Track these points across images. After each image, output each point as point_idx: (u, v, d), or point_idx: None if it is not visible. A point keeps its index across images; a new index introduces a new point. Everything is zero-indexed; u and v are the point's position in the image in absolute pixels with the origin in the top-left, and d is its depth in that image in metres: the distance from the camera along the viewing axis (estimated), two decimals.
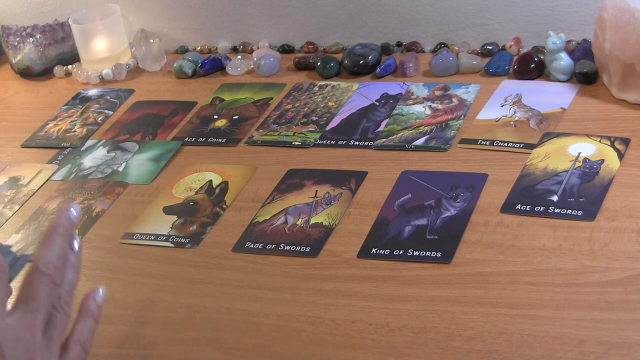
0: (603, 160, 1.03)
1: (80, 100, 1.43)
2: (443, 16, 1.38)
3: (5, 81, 1.55)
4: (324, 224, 1.02)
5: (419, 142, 1.14)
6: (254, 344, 0.87)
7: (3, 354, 0.61)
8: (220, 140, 1.24)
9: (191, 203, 1.10)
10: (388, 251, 0.95)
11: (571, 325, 0.81)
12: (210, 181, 1.14)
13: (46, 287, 0.68)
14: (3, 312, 0.65)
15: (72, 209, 0.72)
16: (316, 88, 1.33)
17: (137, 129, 1.31)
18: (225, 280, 0.96)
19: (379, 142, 1.16)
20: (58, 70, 1.52)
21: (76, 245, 0.72)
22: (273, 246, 1.00)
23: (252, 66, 1.42)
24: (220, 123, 1.28)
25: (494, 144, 1.11)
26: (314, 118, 1.25)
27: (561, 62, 1.22)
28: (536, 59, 1.25)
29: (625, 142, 1.06)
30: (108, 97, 1.42)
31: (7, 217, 1.14)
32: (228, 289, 0.95)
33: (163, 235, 1.05)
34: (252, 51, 1.48)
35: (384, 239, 0.97)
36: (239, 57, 1.44)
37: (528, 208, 0.97)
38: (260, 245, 1.00)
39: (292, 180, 1.11)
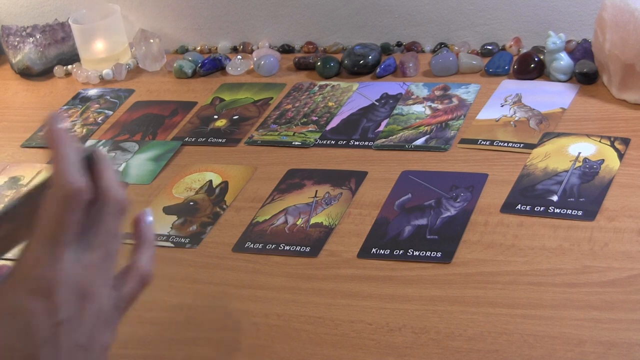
0: (603, 160, 1.03)
1: (80, 100, 1.43)
2: (443, 16, 1.38)
3: (5, 81, 1.55)
4: (324, 224, 1.02)
5: (419, 142, 1.14)
6: (254, 344, 0.87)
7: (55, 299, 0.57)
8: (220, 140, 1.24)
9: (191, 203, 1.10)
10: (388, 251, 0.95)
11: (571, 325, 0.81)
12: (210, 181, 1.14)
13: (115, 218, 0.61)
14: (64, 251, 0.58)
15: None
16: (316, 88, 1.33)
17: (137, 129, 1.31)
18: (225, 280, 0.96)
19: (379, 142, 1.16)
20: (58, 70, 1.52)
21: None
22: (273, 246, 1.00)
23: (252, 66, 1.42)
24: (220, 123, 1.28)
25: (494, 144, 1.11)
26: (314, 118, 1.25)
27: (561, 62, 1.22)
28: (536, 59, 1.25)
29: (625, 142, 1.06)
30: (108, 97, 1.42)
31: None
32: (228, 289, 0.95)
33: (163, 235, 1.05)
34: (252, 51, 1.48)
35: (384, 239, 0.97)
36: (239, 57, 1.44)
37: (528, 208, 0.97)
38: (260, 245, 1.00)
39: (292, 180, 1.11)
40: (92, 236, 0.60)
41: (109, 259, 0.62)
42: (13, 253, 0.62)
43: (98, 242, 0.61)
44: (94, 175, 0.61)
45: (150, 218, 0.68)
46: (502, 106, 1.19)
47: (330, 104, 1.28)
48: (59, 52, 1.54)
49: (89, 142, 1.29)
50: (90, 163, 0.61)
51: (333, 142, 1.19)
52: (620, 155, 1.04)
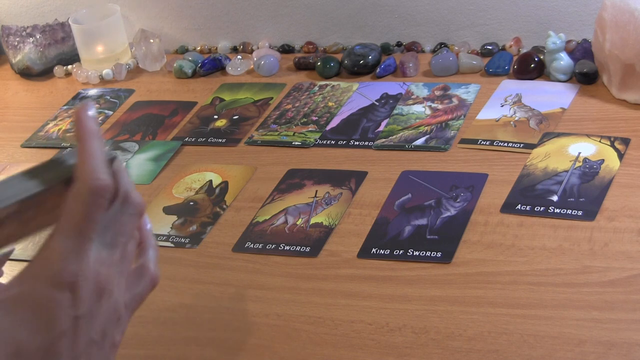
0: (603, 160, 1.03)
1: (80, 100, 1.43)
2: (443, 16, 1.38)
3: (5, 81, 1.55)
4: (324, 224, 1.02)
5: (419, 142, 1.14)
6: (254, 344, 0.87)
7: (78, 292, 0.58)
8: (220, 140, 1.24)
9: (191, 203, 1.10)
10: (388, 251, 0.95)
11: (571, 325, 0.81)
12: (210, 181, 1.14)
13: (133, 219, 0.63)
14: (89, 247, 0.59)
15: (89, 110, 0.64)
16: (316, 88, 1.33)
17: (137, 129, 1.31)
18: (225, 280, 0.96)
19: (379, 142, 1.16)
20: (58, 70, 1.52)
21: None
22: (273, 246, 1.00)
23: (252, 66, 1.42)
24: (220, 123, 1.28)
25: (494, 144, 1.11)
26: (314, 118, 1.25)
27: (561, 62, 1.22)
28: (536, 59, 1.25)
29: (625, 142, 1.06)
30: (108, 97, 1.42)
31: None
32: (228, 289, 0.95)
33: (163, 235, 1.05)
34: (252, 51, 1.48)
35: (384, 239, 0.97)
36: (239, 57, 1.44)
37: (528, 208, 0.97)
38: (260, 245, 1.00)
39: (292, 180, 1.11)
40: (112, 235, 0.61)
41: (125, 259, 0.63)
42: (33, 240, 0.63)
43: (117, 241, 0.62)
44: (114, 176, 0.61)
45: (150, 225, 0.69)
46: (502, 106, 1.19)
47: (330, 104, 1.28)
48: (59, 52, 1.54)
49: None
50: (112, 164, 0.62)
51: (333, 142, 1.19)
52: (620, 155, 1.04)
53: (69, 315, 0.58)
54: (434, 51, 1.38)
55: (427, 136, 1.15)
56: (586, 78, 1.21)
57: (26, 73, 1.53)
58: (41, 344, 0.57)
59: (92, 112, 0.61)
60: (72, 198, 0.59)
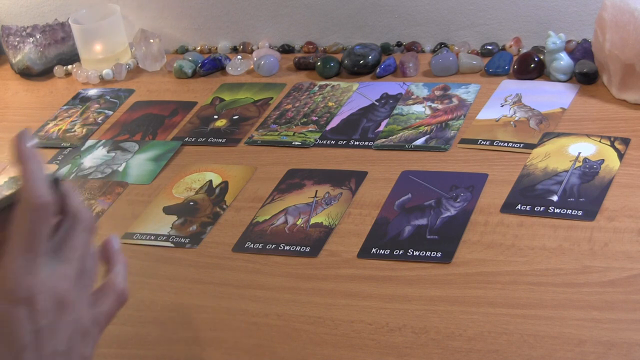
0: (603, 160, 1.03)
1: (80, 100, 1.43)
2: (443, 16, 1.38)
3: (5, 81, 1.55)
4: (324, 224, 1.02)
5: (419, 142, 1.14)
6: (254, 344, 0.87)
7: (36, 306, 0.61)
8: (220, 140, 1.24)
9: (191, 203, 1.10)
10: (388, 251, 0.95)
11: (571, 325, 0.81)
12: (210, 181, 1.14)
13: (85, 235, 0.66)
14: (40, 261, 0.63)
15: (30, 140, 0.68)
16: (316, 88, 1.33)
17: (137, 129, 1.31)
18: (225, 280, 0.96)
19: (379, 142, 1.16)
20: (58, 70, 1.52)
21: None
22: (273, 246, 1.00)
23: (252, 66, 1.42)
24: (220, 123, 1.28)
25: (494, 144, 1.11)
26: (314, 118, 1.25)
27: (561, 62, 1.22)
28: (536, 59, 1.25)
29: (625, 142, 1.06)
30: (108, 97, 1.42)
31: None
32: (228, 289, 0.95)
33: (163, 235, 1.05)
34: (252, 51, 1.48)
35: (384, 239, 0.97)
36: (239, 57, 1.44)
37: (528, 208, 0.97)
38: (260, 245, 1.00)
39: (292, 180, 1.11)
40: (65, 251, 0.64)
41: (85, 275, 0.66)
42: None
43: (71, 256, 0.65)
44: (61, 195, 0.65)
45: (117, 245, 0.72)
46: (502, 106, 1.19)
47: (330, 104, 1.28)
48: (59, 52, 1.54)
49: (89, 142, 1.29)
50: (57, 186, 0.65)
51: (333, 142, 1.19)
52: (620, 155, 1.04)
53: (29, 329, 0.61)
54: (434, 51, 1.38)
55: (427, 136, 1.15)
56: (586, 78, 1.21)
57: (26, 73, 1.53)
58: (6, 358, 0.60)
59: (29, 139, 0.66)
60: (18, 217, 0.62)
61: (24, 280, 0.61)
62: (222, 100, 1.35)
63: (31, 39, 1.52)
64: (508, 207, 0.98)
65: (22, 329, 0.60)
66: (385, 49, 1.41)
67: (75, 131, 1.33)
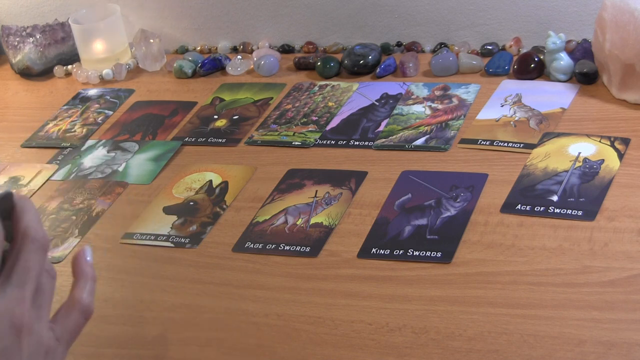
0: (603, 160, 1.03)
1: (80, 100, 1.43)
2: (443, 16, 1.38)
3: (5, 81, 1.55)
4: (324, 224, 1.02)
5: (419, 142, 1.14)
6: (254, 344, 0.87)
7: None
8: (220, 140, 1.24)
9: (191, 203, 1.10)
10: (388, 251, 0.95)
11: (571, 325, 0.81)
12: (210, 181, 1.14)
13: (37, 254, 0.65)
14: None
15: None
16: (316, 88, 1.33)
17: (137, 129, 1.31)
18: (225, 280, 0.96)
19: (379, 142, 1.16)
20: (58, 70, 1.52)
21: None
22: (273, 246, 1.00)
23: (252, 66, 1.42)
24: (220, 123, 1.28)
25: (494, 144, 1.11)
26: (314, 118, 1.25)
27: (561, 62, 1.22)
28: (536, 59, 1.25)
29: (625, 142, 1.06)
30: (108, 97, 1.42)
31: None
32: (228, 289, 0.95)
33: (163, 235, 1.05)
34: (252, 51, 1.48)
35: (384, 239, 0.97)
36: (239, 57, 1.44)
37: (528, 208, 0.97)
38: (260, 245, 1.00)
39: (292, 180, 1.11)
40: (16, 274, 0.63)
41: (41, 294, 0.65)
42: None
43: (26, 278, 0.64)
44: (12, 215, 0.64)
45: (89, 257, 0.71)
46: (502, 106, 1.19)
47: (330, 104, 1.28)
48: (59, 52, 1.54)
49: (89, 142, 1.29)
50: (7, 204, 0.64)
51: (333, 142, 1.19)
52: (620, 155, 1.04)
53: None
54: (434, 51, 1.38)
55: (427, 136, 1.15)
56: (586, 78, 1.21)
57: (26, 73, 1.53)
58: None
59: None
60: None
61: None
62: (222, 100, 1.35)
63: (31, 39, 1.52)
64: (508, 207, 0.98)
65: None
66: (385, 49, 1.41)
67: (75, 131, 1.33)
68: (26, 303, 0.63)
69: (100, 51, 1.48)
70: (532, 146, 1.09)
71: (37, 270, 0.65)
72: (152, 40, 1.46)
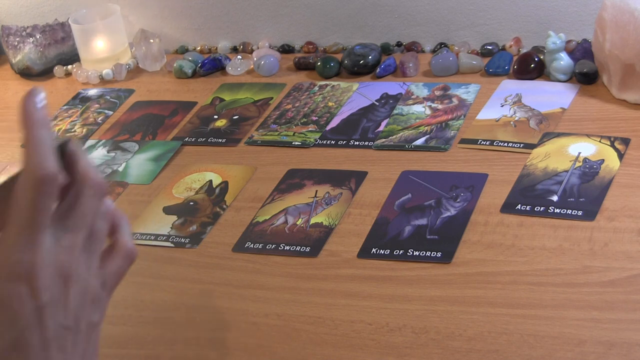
0: (603, 160, 1.03)
1: (80, 100, 1.43)
2: (443, 16, 1.38)
3: (5, 81, 1.55)
4: (324, 224, 1.02)
5: (419, 142, 1.14)
6: (254, 344, 0.87)
7: (36, 282, 0.57)
8: (220, 140, 1.24)
9: (191, 203, 1.10)
10: (388, 251, 0.95)
11: (571, 325, 0.81)
12: (210, 181, 1.14)
13: (94, 199, 0.62)
14: (41, 236, 0.58)
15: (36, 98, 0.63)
16: (316, 88, 1.33)
17: (137, 129, 1.31)
18: (225, 280, 0.96)
19: (379, 142, 1.16)
20: (58, 70, 1.52)
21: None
22: (273, 246, 1.00)
23: (252, 66, 1.42)
24: (220, 123, 1.28)
25: (494, 144, 1.11)
26: (314, 118, 1.25)
27: (561, 62, 1.22)
28: (536, 59, 1.25)
29: (625, 142, 1.06)
30: (108, 97, 1.42)
31: None
32: (228, 289, 0.95)
33: (163, 235, 1.05)
34: (252, 51, 1.48)
35: (384, 239, 0.97)
36: (239, 57, 1.44)
37: (528, 208, 0.97)
38: (260, 245, 1.00)
39: (292, 180, 1.11)
40: (72, 219, 0.61)
41: (93, 239, 0.62)
42: None
43: (79, 224, 0.61)
44: (70, 160, 0.61)
45: (112, 205, 0.67)
46: (502, 106, 1.19)
47: (330, 104, 1.28)
48: (59, 52, 1.54)
49: (89, 142, 1.29)
50: (64, 150, 0.61)
51: (333, 142, 1.19)
52: (620, 155, 1.04)
53: (30, 306, 0.58)
54: (434, 51, 1.38)
55: (427, 136, 1.15)
56: (586, 78, 1.21)
57: (26, 73, 1.53)
58: (7, 339, 0.57)
59: (40, 99, 0.61)
60: (20, 189, 0.58)
61: (23, 256, 0.57)
62: (222, 100, 1.35)
63: (31, 39, 1.52)
64: (508, 207, 0.98)
65: (23, 308, 0.57)
66: (385, 49, 1.41)
67: (75, 131, 1.33)
68: (76, 250, 0.60)
69: (100, 51, 1.48)
70: (532, 146, 1.09)
71: (92, 216, 0.62)
72: (152, 40, 1.46)
